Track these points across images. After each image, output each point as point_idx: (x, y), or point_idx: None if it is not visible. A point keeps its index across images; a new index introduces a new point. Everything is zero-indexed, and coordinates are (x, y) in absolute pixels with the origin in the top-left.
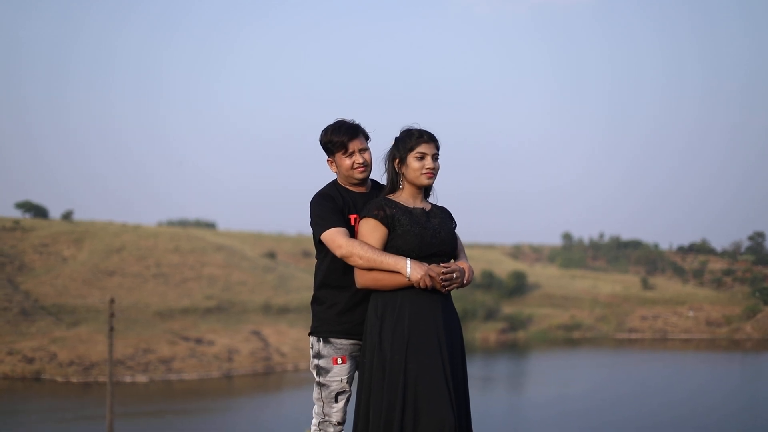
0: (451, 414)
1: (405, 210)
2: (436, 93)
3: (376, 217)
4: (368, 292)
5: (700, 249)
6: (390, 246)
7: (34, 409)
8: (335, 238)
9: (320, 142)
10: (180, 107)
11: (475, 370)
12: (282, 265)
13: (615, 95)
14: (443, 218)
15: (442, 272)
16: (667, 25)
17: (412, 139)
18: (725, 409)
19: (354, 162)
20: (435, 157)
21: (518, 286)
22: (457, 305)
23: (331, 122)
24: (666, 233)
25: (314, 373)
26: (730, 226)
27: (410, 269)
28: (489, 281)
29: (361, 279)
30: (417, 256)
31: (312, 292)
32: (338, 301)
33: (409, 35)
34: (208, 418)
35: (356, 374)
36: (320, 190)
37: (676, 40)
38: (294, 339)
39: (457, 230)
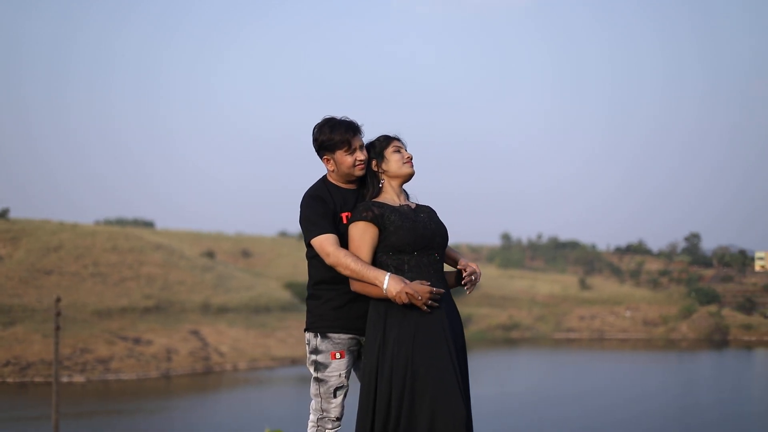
0: (463, 406)
1: (392, 208)
2: (404, 94)
3: (365, 219)
4: None
5: (637, 250)
6: (385, 244)
7: None
8: (324, 246)
9: (317, 139)
10: (128, 104)
11: None
12: (221, 264)
13: (562, 97)
14: (430, 212)
15: (428, 291)
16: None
17: (381, 140)
18: (662, 409)
19: (356, 159)
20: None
21: (457, 287)
22: None
23: (320, 120)
24: (603, 234)
25: (312, 369)
26: (666, 228)
27: (387, 285)
28: None
29: (352, 286)
30: (413, 250)
31: (305, 290)
32: (335, 296)
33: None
34: (147, 419)
35: (354, 369)
36: (310, 190)
37: (625, 39)
38: (233, 339)
39: None
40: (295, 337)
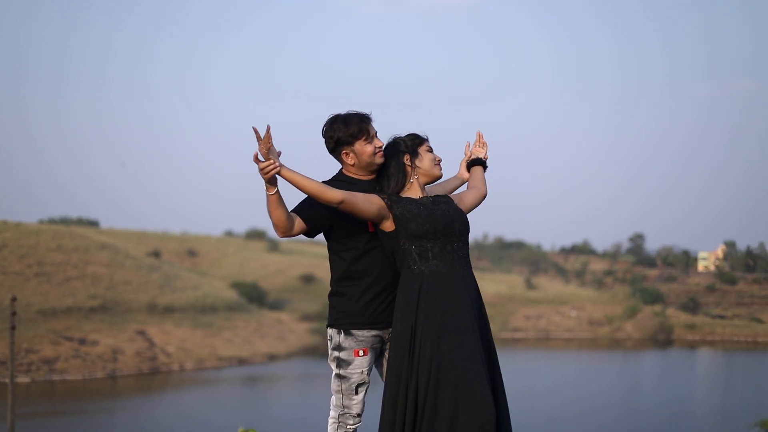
0: (490, 397)
1: (411, 200)
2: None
3: (381, 199)
4: (389, 282)
5: (582, 250)
6: (407, 232)
7: None
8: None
9: (333, 136)
10: (82, 102)
11: None
12: (167, 264)
13: (493, 101)
14: (448, 201)
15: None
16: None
17: (418, 137)
18: (606, 407)
19: (375, 146)
20: None
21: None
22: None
23: (328, 119)
24: (548, 235)
25: (333, 366)
26: (610, 229)
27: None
28: None
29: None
30: (434, 237)
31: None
32: (359, 292)
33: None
34: (93, 419)
35: (375, 366)
36: (328, 181)
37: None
38: (179, 339)
39: None
40: (241, 337)
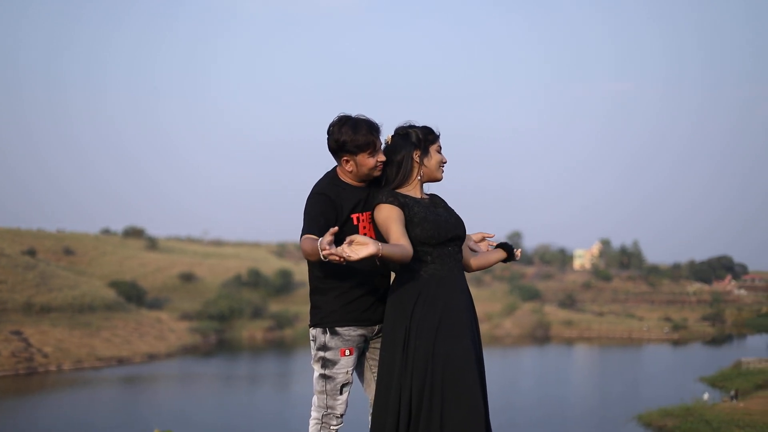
0: (481, 401)
1: (415, 200)
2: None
3: (391, 203)
4: (374, 281)
5: None
6: (409, 237)
7: None
8: (302, 245)
9: (338, 140)
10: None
11: (241, 368)
12: (43, 262)
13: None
14: (445, 205)
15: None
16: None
17: (433, 133)
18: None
19: (377, 161)
20: None
21: (284, 284)
22: (224, 303)
23: (337, 118)
24: None
25: (318, 366)
26: (487, 227)
27: (321, 251)
28: (255, 279)
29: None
30: (437, 242)
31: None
32: (344, 290)
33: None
34: None
35: (358, 363)
36: (317, 187)
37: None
38: (57, 339)
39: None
40: (121, 336)
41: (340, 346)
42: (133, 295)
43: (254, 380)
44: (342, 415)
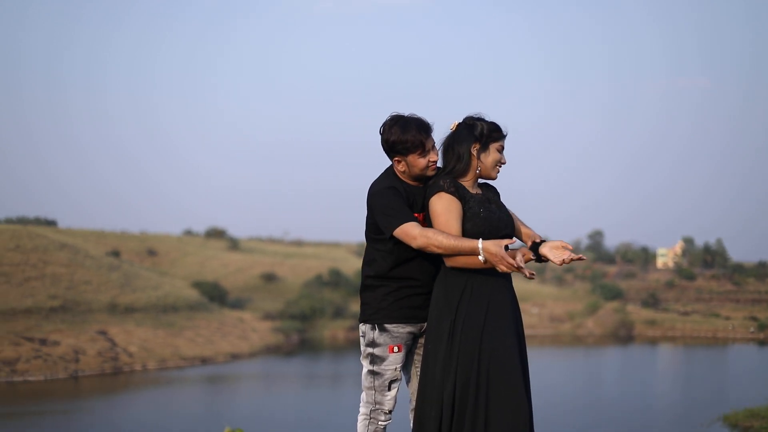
0: (526, 399)
1: (470, 194)
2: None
3: (450, 192)
4: (425, 280)
5: None
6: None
7: None
8: (408, 231)
9: (388, 140)
10: (36, 100)
11: (322, 367)
12: (126, 263)
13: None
14: (497, 201)
15: (518, 261)
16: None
17: (499, 131)
18: (571, 403)
19: (428, 161)
20: None
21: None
22: (305, 303)
23: (388, 118)
24: None
25: (367, 362)
26: (568, 225)
27: (483, 254)
28: (336, 279)
29: (448, 262)
30: (484, 237)
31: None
32: (394, 288)
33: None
34: (55, 420)
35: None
36: (384, 183)
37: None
38: (141, 339)
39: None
40: (204, 336)
41: (389, 343)
42: (215, 295)
43: (336, 379)
44: (390, 411)
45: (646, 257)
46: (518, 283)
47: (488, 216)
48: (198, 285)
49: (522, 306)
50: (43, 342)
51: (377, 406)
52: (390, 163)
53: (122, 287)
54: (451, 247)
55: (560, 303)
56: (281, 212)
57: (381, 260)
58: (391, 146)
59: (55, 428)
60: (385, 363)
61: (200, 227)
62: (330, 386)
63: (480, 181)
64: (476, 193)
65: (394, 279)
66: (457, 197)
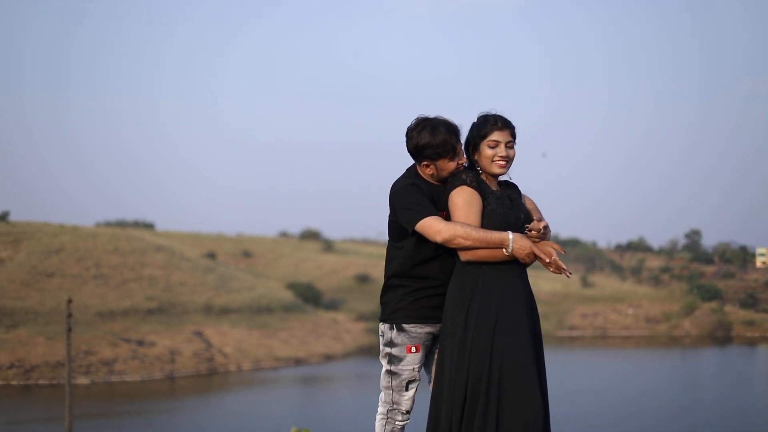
0: (539, 395)
1: (489, 190)
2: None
3: (472, 186)
4: (444, 279)
5: (638, 247)
6: None
7: None
8: (432, 224)
9: (418, 144)
10: (126, 105)
11: None
12: (222, 265)
13: (559, 93)
14: (516, 199)
15: (554, 252)
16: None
17: (486, 126)
18: (665, 405)
19: (458, 163)
20: (509, 145)
21: None
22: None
23: (415, 121)
24: (603, 232)
25: (385, 362)
26: (666, 225)
27: (512, 244)
28: None
29: (463, 256)
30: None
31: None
32: (413, 288)
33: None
34: (151, 420)
35: (426, 361)
36: (407, 180)
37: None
38: (236, 340)
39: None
40: (298, 337)
41: (407, 343)
42: (309, 296)
43: (427, 379)
44: (408, 412)
45: (744, 257)
46: (613, 284)
47: (505, 213)
48: (292, 286)
49: (617, 306)
50: (140, 343)
51: (394, 406)
52: (412, 162)
53: (217, 289)
54: (479, 239)
55: (656, 303)
56: (376, 213)
57: (401, 259)
58: (420, 151)
59: (152, 428)
60: (402, 363)
61: (295, 229)
62: (421, 386)
63: (501, 178)
64: (496, 190)
65: (414, 278)
66: (480, 193)
